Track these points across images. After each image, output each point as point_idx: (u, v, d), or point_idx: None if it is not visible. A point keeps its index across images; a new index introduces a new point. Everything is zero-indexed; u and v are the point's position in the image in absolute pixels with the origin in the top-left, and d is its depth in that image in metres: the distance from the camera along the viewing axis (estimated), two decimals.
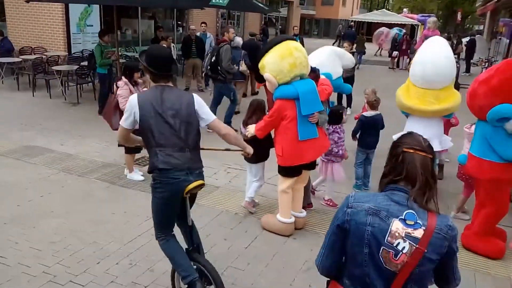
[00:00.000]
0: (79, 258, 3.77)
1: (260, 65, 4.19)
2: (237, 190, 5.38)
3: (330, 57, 6.13)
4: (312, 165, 4.45)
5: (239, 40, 9.39)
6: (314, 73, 4.67)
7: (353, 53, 9.17)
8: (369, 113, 5.46)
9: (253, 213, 4.80)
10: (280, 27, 27.69)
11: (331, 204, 5.12)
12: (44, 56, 10.80)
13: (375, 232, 1.68)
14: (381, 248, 1.67)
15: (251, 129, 4.34)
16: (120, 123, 2.98)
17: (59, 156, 6.17)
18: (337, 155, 5.00)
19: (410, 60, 18.01)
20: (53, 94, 9.79)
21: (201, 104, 2.97)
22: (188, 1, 12.35)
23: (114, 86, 5.39)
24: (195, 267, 3.01)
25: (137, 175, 5.55)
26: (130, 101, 2.89)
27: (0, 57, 10.81)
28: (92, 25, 12.29)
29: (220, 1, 12.83)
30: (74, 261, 3.72)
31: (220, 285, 2.90)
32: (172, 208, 3.02)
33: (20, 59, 10.85)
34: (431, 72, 4.82)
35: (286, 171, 4.24)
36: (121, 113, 4.95)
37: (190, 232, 3.17)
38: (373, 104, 5.45)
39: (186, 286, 2.95)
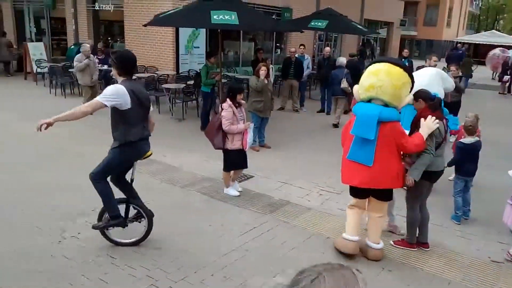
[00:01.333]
0: (179, 265, 4.02)
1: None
2: (330, 214, 5.33)
3: (434, 78, 5.98)
4: (384, 196, 4.20)
5: (342, 60, 10.54)
6: (431, 100, 4.40)
7: (460, 77, 8.63)
8: (468, 139, 5.22)
9: (397, 234, 4.82)
10: (378, 48, 27.05)
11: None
12: (155, 75, 11.82)
13: None
14: None
15: None
16: (104, 101, 3.82)
17: (164, 168, 6.67)
18: None
19: None
20: (162, 109, 10.63)
21: None
22: (287, 25, 12.71)
23: (220, 107, 5.63)
24: (135, 211, 4.29)
25: (233, 190, 5.76)
26: (119, 89, 3.84)
27: None
28: (198, 47, 13.19)
29: (319, 24, 13.01)
30: (174, 268, 3.97)
31: (150, 217, 4.26)
32: (127, 165, 4.23)
33: (135, 77, 11.98)
34: None
35: (350, 189, 4.33)
36: (224, 133, 5.42)
37: (130, 184, 4.29)
38: (470, 130, 5.21)
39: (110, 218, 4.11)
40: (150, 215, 4.28)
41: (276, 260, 4.22)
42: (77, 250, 4.21)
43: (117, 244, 4.33)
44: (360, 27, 15.84)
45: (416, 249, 4.50)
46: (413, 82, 4.16)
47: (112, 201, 4.14)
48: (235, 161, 5.61)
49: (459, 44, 22.15)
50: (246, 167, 5.81)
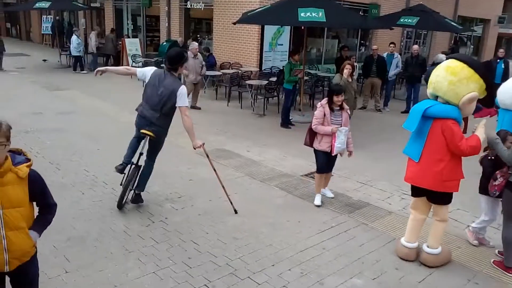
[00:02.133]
0: (257, 257, 4.15)
1: None
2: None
3: None
4: (435, 198, 4.05)
5: (442, 57, 9.90)
6: None
7: None
8: None
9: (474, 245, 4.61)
10: (472, 46, 25.18)
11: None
12: (239, 71, 12.17)
13: None
14: None
15: None
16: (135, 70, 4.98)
17: (245, 161, 6.88)
18: None
19: None
20: (244, 105, 10.93)
21: (181, 93, 4.72)
22: (376, 22, 12.36)
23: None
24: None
25: (318, 199, 5.46)
26: (151, 68, 4.97)
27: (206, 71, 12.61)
28: (282, 44, 13.32)
29: (409, 20, 12.48)
30: (252, 259, 4.10)
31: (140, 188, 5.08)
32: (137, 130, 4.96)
33: (220, 73, 12.45)
34: None
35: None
36: (313, 132, 5.31)
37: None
38: None
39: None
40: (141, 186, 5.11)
41: (354, 261, 4.18)
42: (164, 234, 4.51)
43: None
44: (453, 24, 14.89)
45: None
46: (485, 80, 3.81)
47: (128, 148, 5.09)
48: (319, 162, 5.39)
49: None
50: (329, 171, 5.55)
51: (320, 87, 12.13)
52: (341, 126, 5.20)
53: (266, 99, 10.63)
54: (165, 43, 15.45)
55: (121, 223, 4.69)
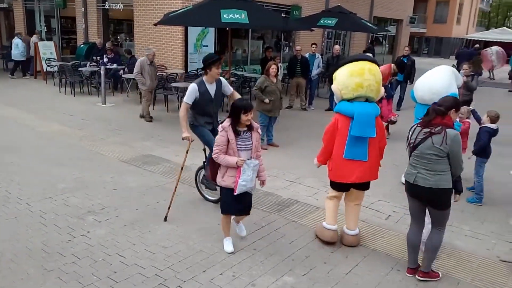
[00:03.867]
0: (188, 264, 4.04)
1: (333, 75, 4.42)
2: (338, 212, 5.31)
3: (452, 77, 6.12)
4: (364, 186, 4.44)
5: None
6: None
7: (472, 76, 8.55)
8: (493, 125, 5.80)
9: None
10: (387, 45, 26.86)
11: None
12: (164, 73, 11.88)
13: None
14: None
15: (315, 161, 4.58)
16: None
17: (174, 166, 6.70)
18: None
19: None
20: (170, 108, 10.68)
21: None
22: (297, 23, 12.68)
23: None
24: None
25: (228, 244, 4.39)
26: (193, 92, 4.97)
27: (128, 74, 12.16)
28: (207, 46, 13.21)
29: (328, 21, 12.99)
30: (183, 267, 3.99)
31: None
32: None
33: None
34: None
35: (333, 185, 4.47)
36: (214, 162, 4.15)
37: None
38: (494, 118, 5.83)
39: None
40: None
41: (284, 259, 4.22)
42: (86, 249, 4.24)
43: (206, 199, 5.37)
44: (370, 24, 15.75)
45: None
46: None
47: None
48: (223, 200, 4.20)
49: (476, 45, 21.76)
50: (243, 214, 4.30)
51: (247, 88, 12.21)
52: (250, 153, 4.04)
53: None
54: (82, 45, 14.69)
55: (38, 240, 4.34)
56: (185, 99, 5.03)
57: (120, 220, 4.89)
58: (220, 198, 4.31)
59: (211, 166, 4.20)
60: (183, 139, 4.96)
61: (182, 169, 5.09)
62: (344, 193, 4.53)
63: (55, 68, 13.61)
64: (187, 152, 5.07)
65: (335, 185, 4.45)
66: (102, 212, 5.05)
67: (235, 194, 4.01)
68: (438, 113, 3.67)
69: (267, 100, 7.67)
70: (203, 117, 5.22)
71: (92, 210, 5.08)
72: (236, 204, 4.13)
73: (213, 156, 4.04)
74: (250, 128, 4.05)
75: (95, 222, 4.80)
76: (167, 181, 6.11)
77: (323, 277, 3.95)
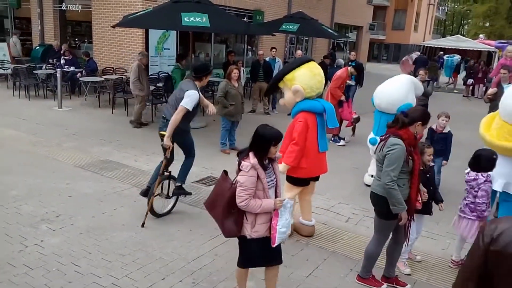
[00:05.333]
0: (146, 272, 3.94)
1: (289, 77, 4.48)
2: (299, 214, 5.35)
3: (409, 87, 6.19)
4: (317, 178, 4.76)
5: (342, 62, 10.56)
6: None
7: (428, 82, 8.86)
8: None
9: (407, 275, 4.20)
10: (348, 51, 27.52)
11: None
12: (124, 77, 11.61)
13: None
14: None
15: (282, 168, 4.35)
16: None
17: (132, 172, 6.54)
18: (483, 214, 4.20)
19: (487, 88, 17.10)
20: (130, 112, 10.41)
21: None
22: (259, 28, 12.74)
23: (237, 165, 3.23)
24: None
25: None
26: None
27: (86, 77, 11.80)
28: (168, 49, 13.02)
29: (290, 27, 13.13)
30: (141, 275, 3.88)
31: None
32: None
33: (103, 79, 11.74)
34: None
35: (296, 181, 4.57)
36: (241, 212, 3.21)
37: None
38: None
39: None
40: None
41: None
42: (39, 259, 4.05)
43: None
44: (331, 31, 16.08)
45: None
46: None
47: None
48: (255, 255, 3.29)
49: (441, 52, 22.57)
50: (277, 263, 3.41)
51: (210, 92, 12.13)
52: (274, 190, 3.31)
53: (154, 105, 10.28)
54: (38, 47, 14.16)
55: None
56: (186, 105, 4.84)
57: (75, 228, 4.71)
58: (240, 251, 3.40)
59: (237, 217, 3.21)
60: (165, 145, 4.91)
61: (162, 174, 5.05)
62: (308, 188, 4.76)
63: (9, 71, 13.02)
64: (166, 159, 5.01)
65: (297, 182, 4.57)
66: (57, 220, 4.85)
67: (274, 245, 3.20)
68: (401, 122, 3.56)
69: (230, 105, 7.64)
70: (189, 123, 5.24)
71: (46, 218, 4.87)
72: (266, 252, 3.26)
73: (241, 205, 3.10)
74: (271, 160, 3.32)
75: (49, 230, 4.61)
76: (125, 187, 5.95)
77: (284, 281, 3.94)
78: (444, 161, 6.18)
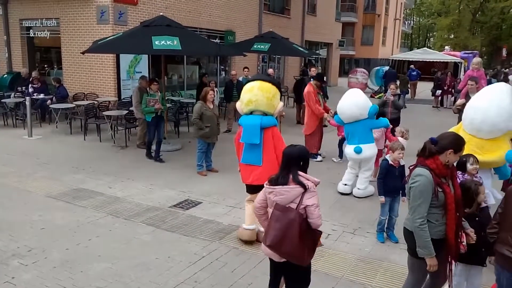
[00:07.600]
0: None
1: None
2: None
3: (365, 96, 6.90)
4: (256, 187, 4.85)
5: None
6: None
7: (399, 95, 9.08)
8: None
9: None
10: (320, 67, 28.00)
11: None
12: (95, 102, 11.44)
13: None
14: None
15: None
16: None
17: (107, 200, 6.39)
18: None
19: (455, 98, 17.65)
20: (103, 137, 10.26)
21: None
22: (230, 49, 12.84)
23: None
24: None
25: None
26: None
27: (56, 103, 11.58)
28: (140, 72, 12.93)
29: (261, 46, 13.28)
30: None
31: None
32: None
33: (74, 105, 11.54)
34: (480, 118, 4.65)
35: (246, 188, 5.11)
36: (316, 234, 3.23)
37: None
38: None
39: None
40: None
41: None
42: None
43: None
44: (301, 49, 16.33)
45: None
46: (280, 92, 5.13)
47: None
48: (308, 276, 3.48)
49: (412, 66, 23.06)
50: None
51: (184, 114, 12.08)
52: None
53: (127, 129, 10.15)
54: (6, 75, 13.85)
55: None
56: None
57: (49, 261, 4.54)
58: (297, 277, 3.45)
59: (311, 243, 3.22)
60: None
61: None
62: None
63: None
64: None
65: (247, 188, 5.07)
66: (29, 255, 4.67)
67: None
68: (428, 151, 3.18)
69: (205, 128, 7.62)
70: None
71: (18, 253, 4.68)
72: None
73: (320, 223, 3.17)
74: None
75: (20, 266, 4.42)
76: (100, 215, 5.80)
77: None
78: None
